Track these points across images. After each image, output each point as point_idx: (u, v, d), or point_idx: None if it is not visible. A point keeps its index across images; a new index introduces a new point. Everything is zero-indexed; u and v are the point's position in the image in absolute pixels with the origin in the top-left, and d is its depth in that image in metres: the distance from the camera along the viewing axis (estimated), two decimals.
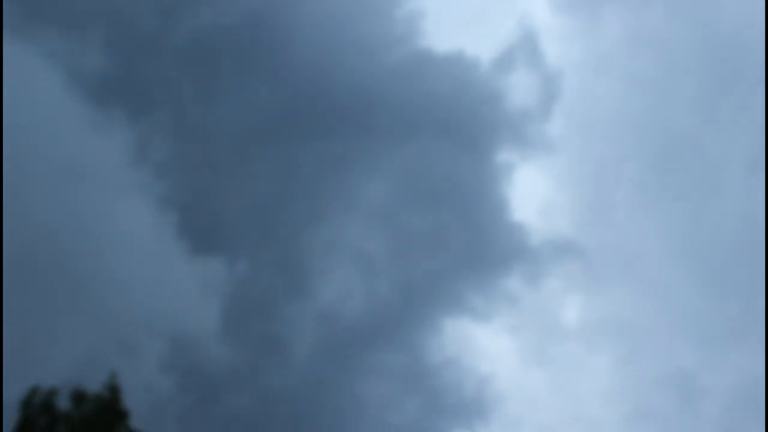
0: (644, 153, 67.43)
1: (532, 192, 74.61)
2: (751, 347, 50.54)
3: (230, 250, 48.84)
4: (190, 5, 54.34)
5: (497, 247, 59.53)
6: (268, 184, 55.46)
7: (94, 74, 48.80)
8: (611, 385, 58.71)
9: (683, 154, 65.79)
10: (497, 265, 59.03)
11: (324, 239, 54.90)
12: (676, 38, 68.20)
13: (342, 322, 53.00)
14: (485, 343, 61.61)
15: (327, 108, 58.03)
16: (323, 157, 57.39)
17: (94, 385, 25.81)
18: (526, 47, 64.50)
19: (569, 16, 73.50)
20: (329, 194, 57.13)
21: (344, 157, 58.04)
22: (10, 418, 24.91)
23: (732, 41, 65.30)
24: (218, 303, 45.50)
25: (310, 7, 59.51)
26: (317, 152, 57.37)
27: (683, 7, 68.68)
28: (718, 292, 59.92)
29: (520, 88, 63.32)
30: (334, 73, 58.18)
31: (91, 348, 36.11)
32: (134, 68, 52.04)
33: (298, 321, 50.92)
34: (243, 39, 56.01)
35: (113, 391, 25.58)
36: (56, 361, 33.46)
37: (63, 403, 25.42)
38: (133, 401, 26.15)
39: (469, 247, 58.82)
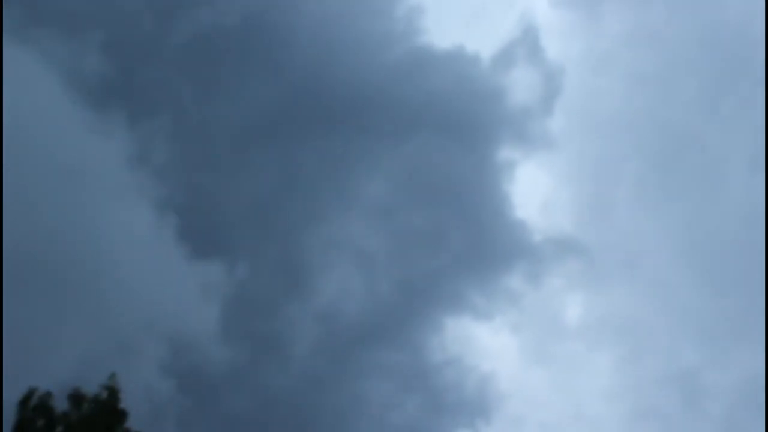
0: (646, 150, 67.29)
1: (533, 190, 74.79)
2: (753, 345, 50.34)
3: (230, 253, 48.86)
4: (189, 7, 54.27)
5: (498, 245, 59.46)
6: (267, 184, 55.45)
7: (94, 77, 48.74)
8: (613, 384, 58.76)
9: (685, 152, 65.68)
10: (498, 264, 58.99)
11: (324, 238, 54.86)
12: (677, 35, 67.98)
13: (342, 321, 53.02)
14: (486, 342, 61.78)
15: (327, 106, 57.91)
16: (323, 156, 57.33)
17: (94, 387, 25.80)
18: (526, 44, 64.29)
19: (570, 12, 73.30)
20: (329, 193, 57.08)
21: (344, 155, 57.94)
22: (10, 420, 24.97)
23: (734, 38, 65.11)
24: (218, 305, 45.54)
25: (310, 4, 59.36)
26: (317, 151, 57.30)
27: (685, 4, 68.45)
28: (721, 290, 59.87)
29: (520, 85, 63.15)
30: (333, 70, 58.06)
31: (90, 350, 36.10)
32: (134, 71, 52.04)
33: (298, 320, 50.93)
34: (242, 38, 55.93)
35: (112, 392, 25.58)
36: (55, 363, 33.47)
37: (61, 405, 25.46)
38: (132, 403, 26.15)
39: (470, 245, 58.75)
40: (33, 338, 33.69)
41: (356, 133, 58.53)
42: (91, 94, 47.49)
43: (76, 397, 25.52)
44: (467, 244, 58.58)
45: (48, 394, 25.12)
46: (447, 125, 60.08)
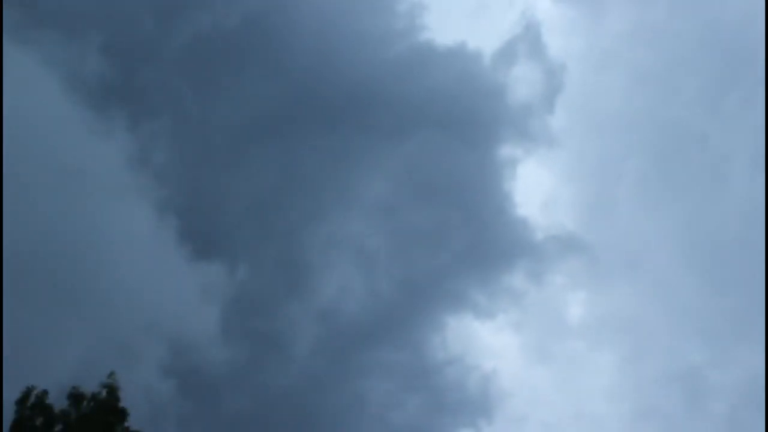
0: (648, 148, 67.11)
1: (534, 187, 74.80)
2: (756, 344, 50.05)
3: (230, 254, 48.83)
4: (189, 8, 54.08)
5: (500, 243, 59.28)
6: (267, 183, 55.30)
7: (94, 78, 48.68)
8: (615, 383, 58.73)
9: (687, 149, 65.43)
10: (500, 262, 58.84)
11: (324, 236, 54.73)
12: (680, 32, 67.64)
13: (343, 320, 52.92)
14: (488, 341, 61.78)
15: (328, 104, 57.74)
16: (323, 154, 57.13)
17: (94, 388, 25.79)
18: (528, 41, 64.03)
19: (572, 9, 73.03)
20: (329, 191, 56.92)
21: (345, 153, 57.74)
22: (10, 420, 25.01)
23: (736, 36, 64.75)
24: (218, 306, 45.55)
25: (311, 2, 59.09)
26: (318, 149, 57.11)
27: (686, 1, 68.27)
28: (723, 289, 59.69)
29: (522, 83, 62.88)
30: (334, 67, 57.83)
31: (90, 351, 36.15)
32: (134, 72, 51.96)
33: (299, 320, 50.84)
34: (242, 37, 55.70)
35: (111, 391, 25.52)
36: (56, 364, 33.49)
37: (61, 405, 25.45)
38: (132, 404, 26.08)
39: (472, 243, 58.56)
40: (33, 339, 33.68)
41: (357, 130, 58.40)
42: (92, 96, 47.52)
43: (75, 396, 25.48)
44: (468, 243, 58.48)
45: (45, 392, 25.07)
46: (448, 122, 59.91)
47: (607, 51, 69.40)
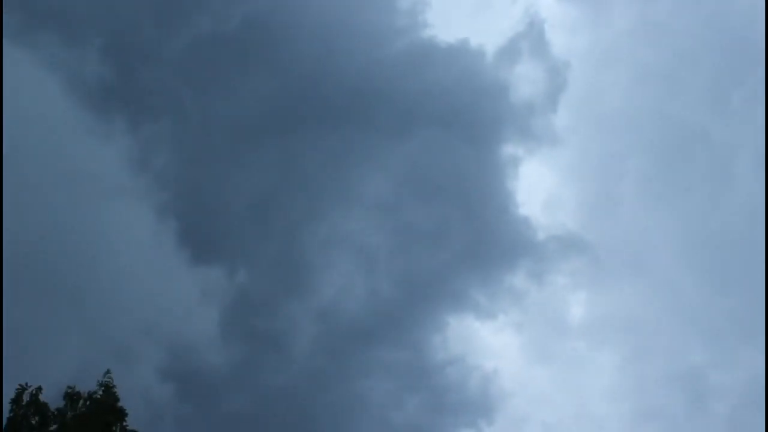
0: (652, 146, 66.66)
1: (537, 186, 74.29)
2: (759, 345, 49.73)
3: (230, 256, 48.88)
4: (188, 10, 53.91)
5: (501, 242, 59.10)
6: (268, 182, 55.25)
7: (94, 81, 48.80)
8: (617, 383, 58.52)
9: (692, 148, 64.94)
10: (501, 262, 58.67)
11: (325, 235, 54.66)
12: (683, 29, 67.16)
13: (343, 319, 52.86)
14: (489, 341, 61.60)
15: (328, 101, 57.59)
16: (324, 152, 57.02)
17: (91, 389, 25.91)
18: (531, 38, 63.59)
19: (575, 6, 72.58)
20: (330, 189, 56.83)
21: (346, 151, 57.62)
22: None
23: (740, 33, 64.10)
24: (217, 308, 45.63)
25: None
26: (318, 147, 57.02)
27: None
28: (726, 289, 59.40)
29: (525, 80, 62.51)
30: (335, 65, 57.71)
31: (89, 355, 36.29)
32: (134, 75, 51.95)
33: (299, 319, 50.87)
34: (243, 35, 55.51)
35: (107, 389, 25.50)
36: (55, 367, 33.63)
37: (58, 405, 25.50)
38: (131, 407, 26.13)
39: (473, 242, 58.42)
40: (33, 342, 33.82)
41: (358, 128, 58.24)
42: (92, 98, 47.66)
43: (71, 395, 25.46)
44: (470, 242, 58.32)
45: (39, 389, 25.02)
46: (450, 121, 59.69)
47: (610, 49, 69.01)
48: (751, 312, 54.21)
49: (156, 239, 44.82)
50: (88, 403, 25.39)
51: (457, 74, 60.47)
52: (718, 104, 64.56)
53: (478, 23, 71.86)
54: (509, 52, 62.33)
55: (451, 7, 69.53)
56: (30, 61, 44.27)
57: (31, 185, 39.52)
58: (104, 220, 43.71)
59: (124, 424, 25.47)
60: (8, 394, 25.59)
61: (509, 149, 60.81)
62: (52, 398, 25.43)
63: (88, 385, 25.79)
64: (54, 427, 24.76)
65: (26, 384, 25.08)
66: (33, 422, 24.63)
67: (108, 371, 25.75)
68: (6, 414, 24.76)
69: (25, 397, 25.00)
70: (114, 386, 25.58)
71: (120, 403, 25.71)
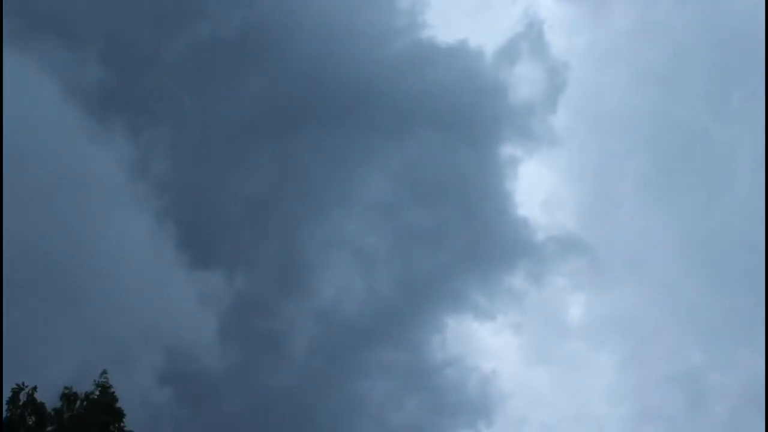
0: (651, 147, 66.58)
1: (536, 187, 74.38)
2: (758, 346, 49.67)
3: (229, 260, 48.81)
4: (188, 15, 53.82)
5: (500, 243, 59.05)
6: (267, 183, 55.14)
7: (94, 86, 48.73)
8: (616, 384, 58.41)
9: (691, 148, 64.89)
10: (500, 262, 58.61)
11: (323, 236, 54.50)
12: (684, 29, 67.05)
13: (342, 320, 52.70)
14: (488, 342, 61.33)
15: (327, 102, 57.51)
16: (323, 153, 56.94)
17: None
18: (530, 39, 63.50)
19: (574, 6, 72.45)
20: (329, 190, 56.73)
21: (344, 151, 57.56)
22: None
23: (740, 32, 64.04)
24: (216, 311, 45.53)
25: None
26: (317, 147, 56.91)
27: None
28: (726, 290, 59.33)
29: (524, 81, 62.43)
30: (334, 65, 57.59)
31: (88, 358, 36.10)
32: (134, 80, 51.88)
33: (298, 320, 50.76)
34: (242, 36, 55.42)
35: (104, 390, 25.35)
36: (54, 371, 33.47)
37: (54, 405, 25.36)
38: (130, 411, 26.00)
39: (472, 243, 58.36)
40: (32, 345, 33.70)
41: (356, 129, 58.14)
42: (92, 103, 47.55)
43: (68, 396, 25.33)
44: (469, 243, 58.27)
45: (34, 388, 24.89)
46: (449, 121, 59.63)
47: (609, 49, 68.88)
48: (751, 313, 54.22)
49: (155, 243, 44.86)
50: (85, 403, 25.33)
51: (456, 75, 60.58)
52: (718, 104, 64.68)
53: (477, 24, 71.87)
54: (508, 52, 62.36)
55: (451, 8, 69.52)
56: (30, 66, 44.25)
57: (31, 189, 39.46)
58: (104, 224, 43.73)
59: (122, 424, 25.39)
60: (8, 394, 25.46)
61: (508, 150, 60.88)
62: (50, 400, 25.38)
63: (86, 387, 25.74)
64: (51, 428, 24.68)
65: (23, 384, 25.00)
66: (30, 423, 24.54)
67: (104, 371, 25.74)
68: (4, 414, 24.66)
69: (22, 397, 24.90)
70: (111, 386, 25.50)
71: (118, 404, 25.61)
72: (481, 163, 60.08)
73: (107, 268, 41.30)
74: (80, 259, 40.52)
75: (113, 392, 25.38)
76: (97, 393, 25.47)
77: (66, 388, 25.50)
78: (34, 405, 24.89)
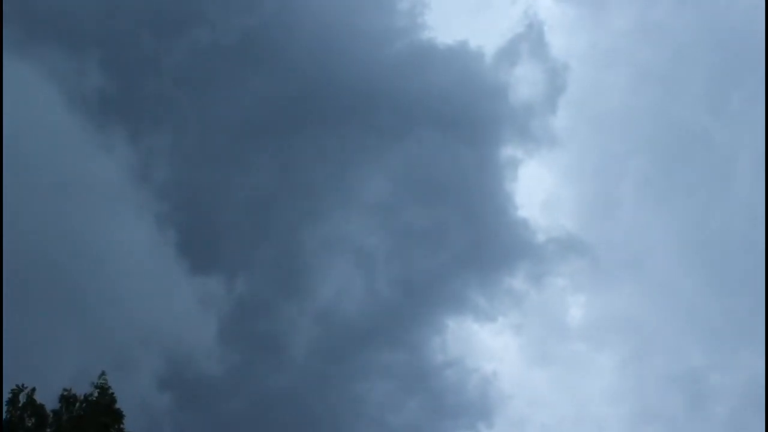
0: (652, 147, 66.44)
1: (536, 188, 74.10)
2: (759, 347, 49.62)
3: (229, 268, 48.87)
4: (187, 22, 53.89)
5: (500, 244, 58.98)
6: (267, 184, 55.22)
7: (95, 93, 48.82)
8: (616, 385, 58.37)
9: (692, 149, 64.80)
10: (500, 263, 58.55)
11: (323, 237, 54.57)
12: (684, 29, 66.89)
13: (341, 321, 52.73)
14: (488, 343, 61.25)
15: (327, 102, 57.48)
16: (323, 153, 57.00)
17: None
18: (530, 40, 63.39)
19: (574, 7, 72.22)
20: (328, 190, 56.79)
21: (344, 152, 57.58)
22: None
23: (740, 33, 63.93)
24: (216, 316, 45.69)
25: (310, 0, 58.78)
26: (317, 148, 56.98)
27: None
28: (726, 291, 59.26)
29: (524, 82, 62.37)
30: (334, 66, 57.51)
31: (88, 363, 36.20)
32: (134, 87, 51.95)
33: (297, 321, 50.86)
34: (242, 38, 55.48)
35: (103, 391, 25.53)
36: (54, 375, 33.64)
37: (54, 407, 25.53)
38: (129, 415, 26.16)
39: (472, 244, 58.27)
40: (32, 350, 33.80)
41: (356, 130, 58.17)
42: (92, 110, 47.66)
43: (67, 398, 25.49)
44: (469, 244, 58.20)
45: (33, 390, 25.07)
46: (449, 122, 59.54)
47: (609, 50, 68.72)
48: (751, 313, 54.18)
49: (156, 249, 45.02)
50: (84, 405, 25.46)
51: (456, 75, 60.51)
52: (718, 104, 64.52)
53: (477, 24, 71.80)
54: (508, 53, 62.22)
55: (451, 9, 69.30)
56: (30, 73, 44.38)
57: (32, 195, 39.66)
58: (105, 229, 43.82)
59: (121, 425, 25.53)
60: (8, 396, 25.60)
61: (508, 151, 60.73)
62: (50, 403, 25.49)
63: (85, 390, 25.88)
64: (50, 429, 24.86)
65: (22, 385, 25.16)
66: (29, 424, 24.71)
67: (103, 373, 25.85)
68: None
69: (21, 399, 25.06)
70: (110, 387, 25.64)
71: (117, 405, 25.75)
72: (481, 163, 60.07)
73: (108, 273, 41.50)
74: (81, 264, 40.71)
75: (112, 393, 25.54)
76: (96, 394, 25.61)
77: (65, 390, 25.67)
78: (33, 406, 25.06)
